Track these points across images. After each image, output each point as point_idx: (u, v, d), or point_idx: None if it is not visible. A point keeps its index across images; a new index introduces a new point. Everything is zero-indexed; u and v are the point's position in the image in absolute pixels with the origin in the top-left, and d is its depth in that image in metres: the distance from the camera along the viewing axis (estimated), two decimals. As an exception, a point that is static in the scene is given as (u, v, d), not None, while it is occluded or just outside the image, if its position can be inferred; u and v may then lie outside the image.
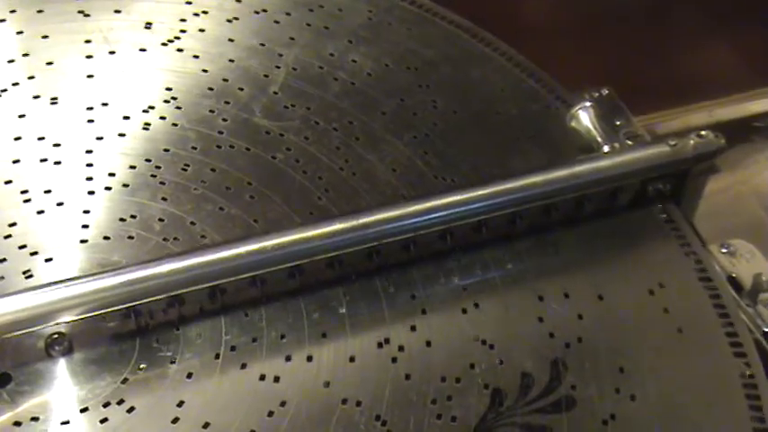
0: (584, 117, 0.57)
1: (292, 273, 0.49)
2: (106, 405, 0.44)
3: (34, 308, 0.44)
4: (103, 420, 0.43)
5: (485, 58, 0.62)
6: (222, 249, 0.48)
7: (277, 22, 0.62)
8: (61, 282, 0.45)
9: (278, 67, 0.59)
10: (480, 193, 0.52)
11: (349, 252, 0.49)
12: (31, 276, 0.48)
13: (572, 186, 0.53)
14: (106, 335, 0.47)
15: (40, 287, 0.45)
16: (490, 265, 0.51)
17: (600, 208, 0.55)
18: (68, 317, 0.45)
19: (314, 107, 0.57)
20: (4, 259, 0.49)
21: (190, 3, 0.62)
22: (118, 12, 0.61)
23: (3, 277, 0.48)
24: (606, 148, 0.56)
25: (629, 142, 0.57)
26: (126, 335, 0.47)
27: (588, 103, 0.58)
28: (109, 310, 0.45)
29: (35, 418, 0.43)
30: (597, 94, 0.59)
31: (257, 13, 0.62)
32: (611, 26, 0.86)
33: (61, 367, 0.45)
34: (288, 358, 0.46)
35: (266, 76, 0.59)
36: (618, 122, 0.58)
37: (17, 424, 0.43)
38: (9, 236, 0.50)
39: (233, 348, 0.46)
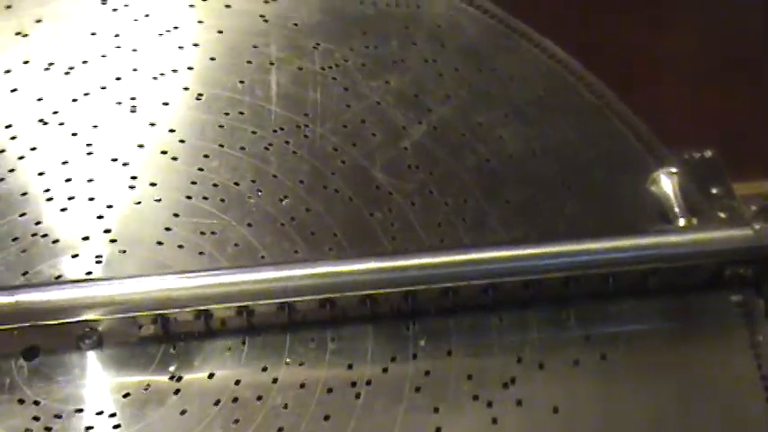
0: (666, 182, 0.52)
1: (323, 303, 0.48)
2: (99, 413, 0.45)
3: (67, 300, 0.46)
4: (89, 428, 0.45)
5: (644, 170, 0.56)
6: (255, 271, 0.48)
7: (441, 74, 0.59)
8: (101, 279, 0.48)
9: (419, 123, 0.57)
10: (533, 251, 0.49)
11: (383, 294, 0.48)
12: (100, 262, 0.50)
13: (632, 259, 0.49)
14: (133, 342, 0.48)
15: (79, 281, 0.47)
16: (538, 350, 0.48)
17: (667, 283, 0.50)
18: (96, 314, 0.46)
19: (437, 174, 0.55)
20: (87, 237, 0.51)
21: (365, 33, 0.61)
22: (295, 25, 0.61)
23: (78, 255, 0.51)
24: (682, 222, 0.50)
25: (722, 214, 0.51)
26: (150, 349, 0.48)
27: (674, 168, 0.52)
28: (134, 314, 0.47)
29: (37, 402, 0.45)
30: (699, 156, 0.52)
31: (426, 61, 0.60)
32: (732, 76, 0.74)
33: (83, 361, 0.47)
34: (280, 429, 0.45)
35: (404, 128, 0.57)
36: (714, 190, 0.51)
37: (21, 402, 0.45)
38: (101, 216, 0.52)
39: (235, 400, 0.46)
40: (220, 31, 0.60)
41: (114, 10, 0.61)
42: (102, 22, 0.60)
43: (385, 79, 0.59)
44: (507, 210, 0.54)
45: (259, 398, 0.46)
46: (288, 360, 0.47)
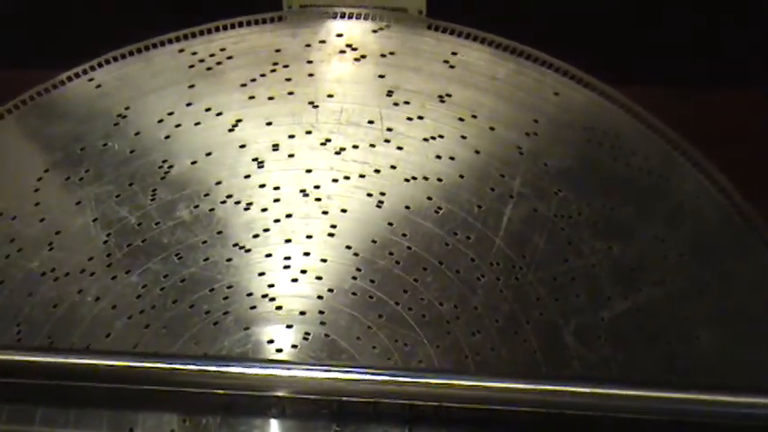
0: None
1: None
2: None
3: (265, 378, 0.54)
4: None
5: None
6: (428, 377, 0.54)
7: (665, 257, 0.61)
8: (295, 363, 0.56)
9: (625, 298, 0.59)
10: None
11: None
12: (306, 339, 0.58)
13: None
14: (311, 417, 0.55)
15: (276, 362, 0.56)
16: None
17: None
18: (285, 393, 0.54)
19: (622, 354, 0.57)
20: (304, 313, 0.59)
21: (608, 191, 0.64)
22: (546, 165, 0.65)
23: (291, 326, 0.59)
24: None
25: None
26: (324, 426, 0.55)
27: None
28: (316, 398, 0.54)
29: (209, 456, 0.55)
30: None
31: (655, 238, 0.62)
32: None
33: (265, 425, 0.55)
34: None
35: (609, 298, 0.59)
36: None
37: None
38: (321, 297, 0.60)
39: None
40: (477, 152, 0.66)
41: (395, 104, 0.68)
42: (380, 113, 0.67)
43: (609, 244, 0.61)
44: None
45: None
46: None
